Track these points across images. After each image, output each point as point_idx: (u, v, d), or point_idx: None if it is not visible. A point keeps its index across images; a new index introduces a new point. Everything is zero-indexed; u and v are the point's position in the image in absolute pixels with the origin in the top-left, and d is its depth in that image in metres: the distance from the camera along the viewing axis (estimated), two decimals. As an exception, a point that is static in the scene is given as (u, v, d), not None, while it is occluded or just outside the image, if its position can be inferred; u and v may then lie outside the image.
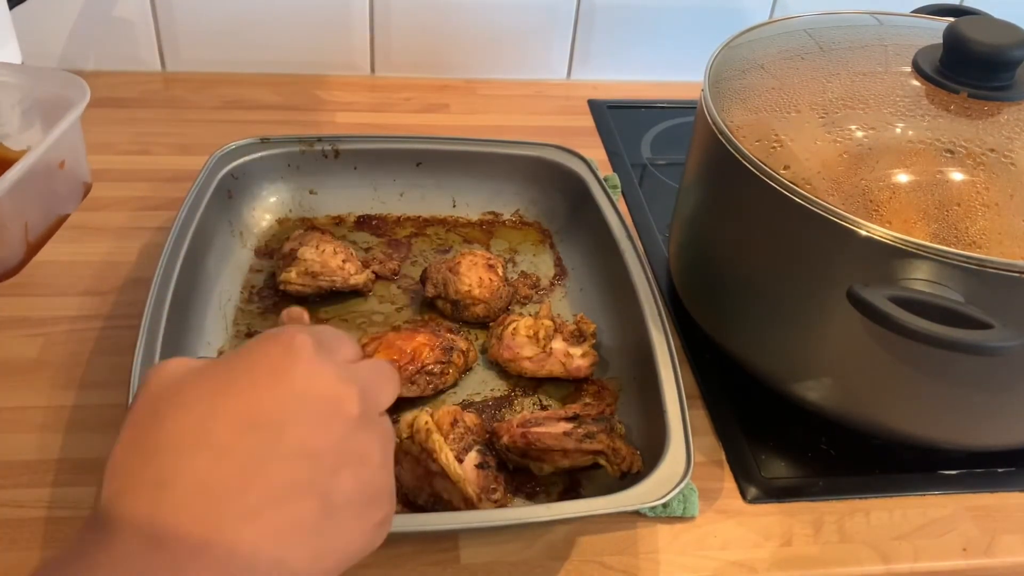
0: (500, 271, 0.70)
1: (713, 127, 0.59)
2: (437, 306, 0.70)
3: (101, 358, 0.64)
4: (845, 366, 0.57)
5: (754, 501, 0.58)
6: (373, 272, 0.72)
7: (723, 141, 0.58)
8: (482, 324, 0.69)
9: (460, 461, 0.54)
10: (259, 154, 0.76)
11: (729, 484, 0.59)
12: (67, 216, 0.69)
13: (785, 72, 0.62)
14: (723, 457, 0.61)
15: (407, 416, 0.56)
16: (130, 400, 0.46)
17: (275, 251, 0.73)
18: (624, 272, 0.67)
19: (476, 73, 1.05)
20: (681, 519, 0.57)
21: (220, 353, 0.65)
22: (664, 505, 0.55)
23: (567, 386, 0.65)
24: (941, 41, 0.59)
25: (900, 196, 0.53)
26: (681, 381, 0.58)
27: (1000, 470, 0.62)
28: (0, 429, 0.58)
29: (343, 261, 0.70)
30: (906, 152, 0.55)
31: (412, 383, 0.61)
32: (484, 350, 0.67)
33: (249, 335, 0.67)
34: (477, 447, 0.56)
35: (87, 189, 0.72)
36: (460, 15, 1.01)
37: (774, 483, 0.60)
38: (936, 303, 0.48)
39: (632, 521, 0.56)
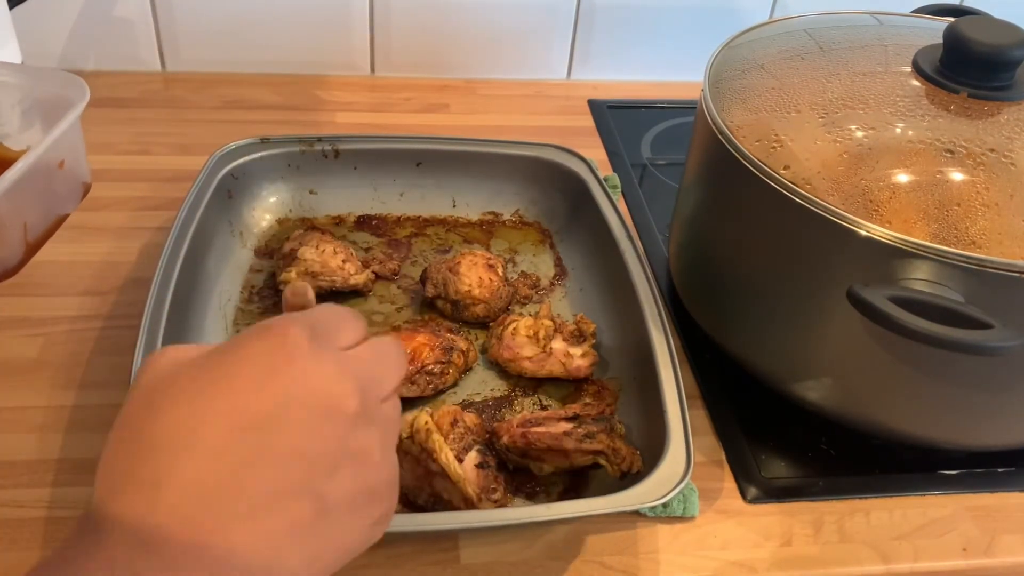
0: (500, 271, 0.70)
1: (713, 127, 0.59)
2: (437, 306, 0.70)
3: (101, 358, 0.64)
4: (845, 366, 0.57)
5: (754, 501, 0.58)
6: (373, 272, 0.72)
7: (723, 141, 0.58)
8: (482, 324, 0.69)
9: (460, 461, 0.54)
10: (259, 154, 0.76)
11: (729, 484, 0.59)
12: (66, 216, 0.69)
13: (785, 72, 0.62)
14: (723, 457, 0.61)
15: (407, 416, 0.55)
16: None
17: (275, 251, 0.73)
18: (624, 272, 0.67)
19: (476, 73, 1.05)
20: (681, 519, 0.57)
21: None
22: (664, 505, 0.55)
23: (567, 386, 0.65)
24: (941, 41, 0.59)
25: (900, 196, 0.53)
26: (681, 381, 0.58)
27: (1000, 470, 0.62)
28: (0, 429, 0.58)
29: (343, 261, 0.70)
30: (906, 152, 0.55)
31: (412, 383, 0.61)
32: (484, 350, 0.67)
33: (249, 335, 0.67)
34: (477, 447, 0.56)
35: (87, 189, 0.72)
36: (460, 15, 1.01)
37: (774, 483, 0.60)
38: (936, 303, 0.48)
39: (632, 521, 0.56)
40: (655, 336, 0.61)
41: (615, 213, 0.73)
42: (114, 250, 0.74)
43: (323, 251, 0.69)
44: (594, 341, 0.65)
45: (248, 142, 0.76)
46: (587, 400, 0.63)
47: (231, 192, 0.74)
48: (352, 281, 0.70)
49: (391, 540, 0.53)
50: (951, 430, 0.58)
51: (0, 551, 0.51)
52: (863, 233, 0.50)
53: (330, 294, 0.70)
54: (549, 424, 0.57)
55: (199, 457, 0.30)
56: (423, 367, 0.62)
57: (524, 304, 0.72)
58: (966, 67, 0.57)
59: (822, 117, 0.58)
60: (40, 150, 0.61)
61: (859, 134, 0.57)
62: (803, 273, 0.56)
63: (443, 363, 0.63)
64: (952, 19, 0.59)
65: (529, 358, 0.63)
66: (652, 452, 0.55)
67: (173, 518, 0.29)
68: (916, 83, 0.59)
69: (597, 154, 0.91)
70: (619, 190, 0.85)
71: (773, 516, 0.58)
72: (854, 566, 0.55)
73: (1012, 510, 0.59)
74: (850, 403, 0.59)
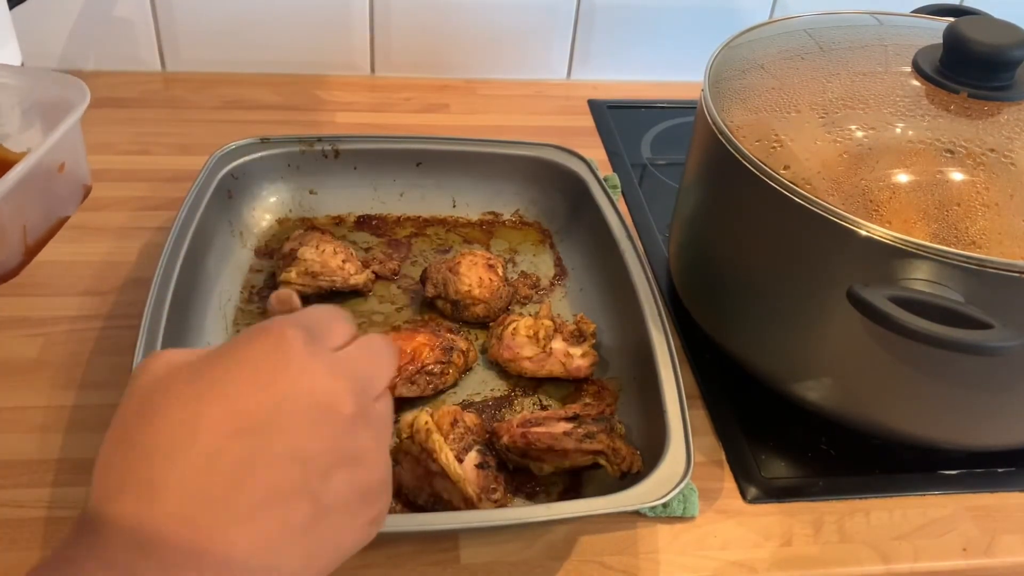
0: (500, 271, 0.70)
1: (713, 127, 0.59)
2: (437, 306, 0.70)
3: (101, 358, 0.64)
4: (845, 366, 0.57)
5: (754, 501, 0.58)
6: (373, 272, 0.72)
7: (723, 141, 0.58)
8: (482, 324, 0.69)
9: (460, 461, 0.54)
10: (259, 154, 0.76)
11: (729, 484, 0.59)
12: (67, 219, 0.69)
13: (785, 72, 0.62)
14: (723, 457, 0.61)
15: (407, 416, 0.56)
16: None
17: (275, 251, 0.73)
18: (624, 272, 0.67)
19: (476, 73, 1.05)
20: (681, 519, 0.57)
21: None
22: (664, 505, 0.55)
23: (567, 386, 0.65)
24: (941, 41, 0.59)
25: (900, 196, 0.53)
26: (681, 381, 0.58)
27: (1000, 470, 0.62)
28: (0, 429, 0.58)
29: (343, 261, 0.70)
30: (906, 152, 0.55)
31: (412, 383, 0.61)
32: (484, 350, 0.67)
33: (249, 335, 0.67)
34: (477, 447, 0.56)
35: (87, 191, 0.72)
36: (460, 15, 1.01)
37: (774, 483, 0.60)
38: (936, 303, 0.48)
39: (632, 521, 0.56)
40: (655, 336, 0.61)
41: (615, 213, 0.73)
42: (114, 250, 0.74)
43: (323, 251, 0.69)
44: (594, 341, 0.65)
45: (248, 142, 0.76)
46: (587, 400, 0.63)
47: (231, 192, 0.74)
48: (352, 281, 0.70)
49: (391, 540, 0.53)
50: (951, 430, 0.58)
51: (0, 551, 0.51)
52: (863, 233, 0.50)
53: (330, 294, 0.70)
54: (549, 424, 0.57)
55: (197, 459, 0.30)
56: (423, 367, 0.62)
57: (524, 304, 0.72)
58: (966, 67, 0.57)
59: (822, 117, 0.58)
60: (40, 152, 0.61)
61: (859, 134, 0.57)
62: (803, 273, 0.56)
63: (443, 363, 0.63)
64: (952, 19, 0.59)
65: (529, 358, 0.63)
66: (652, 452, 0.55)
67: (172, 520, 0.29)
68: (916, 83, 0.59)
69: (597, 154, 0.91)
70: (619, 190, 0.85)
71: (773, 516, 0.58)
72: (854, 566, 0.55)
73: (1012, 510, 0.59)
74: (850, 403, 0.59)
